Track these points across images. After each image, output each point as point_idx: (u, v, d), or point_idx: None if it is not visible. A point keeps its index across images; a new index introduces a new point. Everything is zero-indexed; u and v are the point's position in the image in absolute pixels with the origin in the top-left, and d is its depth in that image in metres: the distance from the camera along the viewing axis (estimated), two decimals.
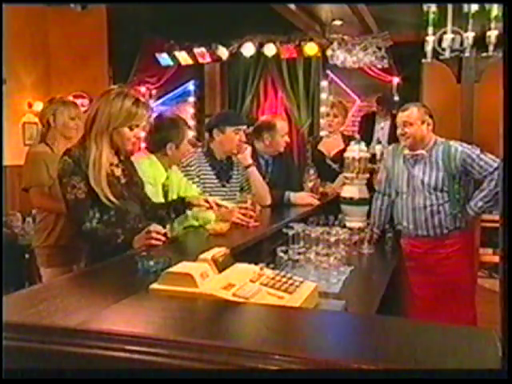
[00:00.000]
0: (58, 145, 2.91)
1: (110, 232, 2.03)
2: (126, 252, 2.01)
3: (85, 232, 2.02)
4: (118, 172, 2.14)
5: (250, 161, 3.10)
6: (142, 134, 2.16)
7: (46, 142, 2.95)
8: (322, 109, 6.51)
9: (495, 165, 2.79)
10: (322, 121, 6.37)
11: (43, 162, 2.86)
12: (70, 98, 3.71)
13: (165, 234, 2.06)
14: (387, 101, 5.90)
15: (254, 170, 3.10)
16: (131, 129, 2.08)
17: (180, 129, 2.57)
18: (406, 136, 2.95)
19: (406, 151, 3.03)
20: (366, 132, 5.46)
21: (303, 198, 3.31)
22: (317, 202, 3.33)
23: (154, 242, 1.98)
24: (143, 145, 2.92)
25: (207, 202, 2.34)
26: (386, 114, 5.84)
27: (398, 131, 3.00)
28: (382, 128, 5.80)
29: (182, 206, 2.36)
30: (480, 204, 2.90)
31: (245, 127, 3.03)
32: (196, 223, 2.50)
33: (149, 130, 2.60)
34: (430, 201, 2.95)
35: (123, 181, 2.15)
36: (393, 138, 5.18)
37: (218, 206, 2.36)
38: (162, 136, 2.54)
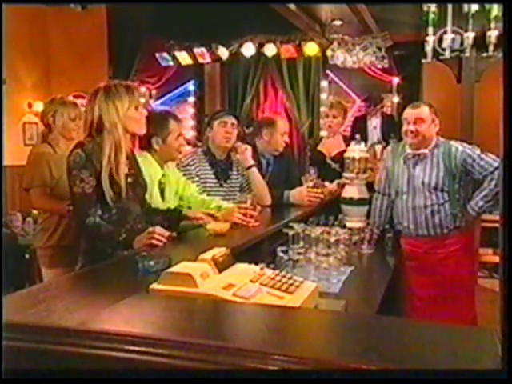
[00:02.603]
0: (60, 145, 2.90)
1: (113, 229, 2.04)
2: (125, 251, 2.02)
3: (88, 226, 2.03)
4: (125, 170, 2.15)
5: (251, 162, 3.09)
6: (145, 112, 2.23)
7: (49, 142, 2.94)
8: (322, 109, 6.52)
9: (495, 164, 2.79)
10: (321, 121, 6.38)
11: (46, 162, 2.85)
12: (70, 98, 3.69)
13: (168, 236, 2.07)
14: (375, 99, 5.96)
15: (254, 170, 3.09)
16: (136, 109, 2.15)
17: (164, 123, 2.55)
18: (415, 134, 2.90)
19: (408, 150, 3.01)
20: (359, 133, 5.49)
21: (301, 193, 3.26)
22: (320, 196, 3.28)
23: (155, 242, 1.99)
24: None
25: (208, 215, 2.38)
26: (376, 112, 5.89)
27: (407, 128, 2.93)
28: (374, 127, 5.84)
29: (177, 218, 2.37)
30: (481, 203, 2.90)
31: (230, 118, 3.01)
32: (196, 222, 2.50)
33: None
34: (431, 200, 2.95)
35: (129, 180, 2.16)
36: (386, 136, 5.24)
37: (215, 219, 2.40)
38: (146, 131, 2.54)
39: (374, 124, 5.86)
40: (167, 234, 2.05)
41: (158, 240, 2.00)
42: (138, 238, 2.02)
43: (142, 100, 2.26)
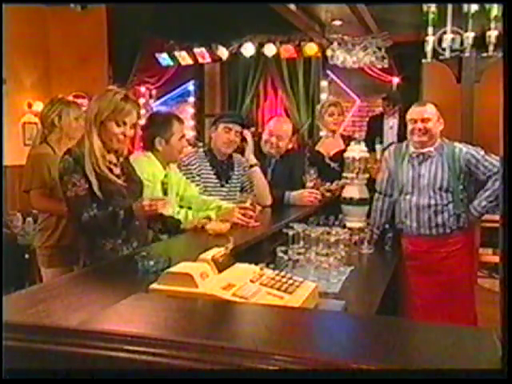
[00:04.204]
0: (61, 146, 2.89)
1: (110, 213, 2.05)
2: (128, 231, 2.10)
3: (85, 222, 2.05)
4: (116, 171, 2.17)
5: (254, 160, 3.08)
6: (130, 133, 2.15)
7: (48, 142, 2.92)
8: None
9: (499, 165, 2.80)
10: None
11: (45, 163, 2.83)
12: (70, 98, 3.70)
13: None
14: (394, 98, 5.92)
15: (257, 169, 3.08)
16: (118, 124, 2.10)
17: (168, 124, 2.56)
18: (423, 131, 2.92)
19: (412, 149, 3.02)
20: (375, 133, 5.47)
21: (302, 197, 3.26)
22: (318, 197, 3.28)
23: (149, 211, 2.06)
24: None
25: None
26: (394, 112, 5.85)
27: (414, 126, 2.95)
28: (390, 127, 5.81)
29: (176, 226, 2.39)
30: (484, 203, 2.91)
31: (235, 126, 2.99)
32: (195, 222, 2.50)
33: (141, 126, 2.62)
34: (435, 200, 2.95)
35: (122, 178, 2.18)
36: (403, 136, 5.19)
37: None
38: (149, 131, 2.56)
39: (391, 124, 5.83)
40: (162, 201, 2.10)
41: (151, 210, 2.05)
42: (137, 205, 2.06)
43: (133, 120, 2.16)
